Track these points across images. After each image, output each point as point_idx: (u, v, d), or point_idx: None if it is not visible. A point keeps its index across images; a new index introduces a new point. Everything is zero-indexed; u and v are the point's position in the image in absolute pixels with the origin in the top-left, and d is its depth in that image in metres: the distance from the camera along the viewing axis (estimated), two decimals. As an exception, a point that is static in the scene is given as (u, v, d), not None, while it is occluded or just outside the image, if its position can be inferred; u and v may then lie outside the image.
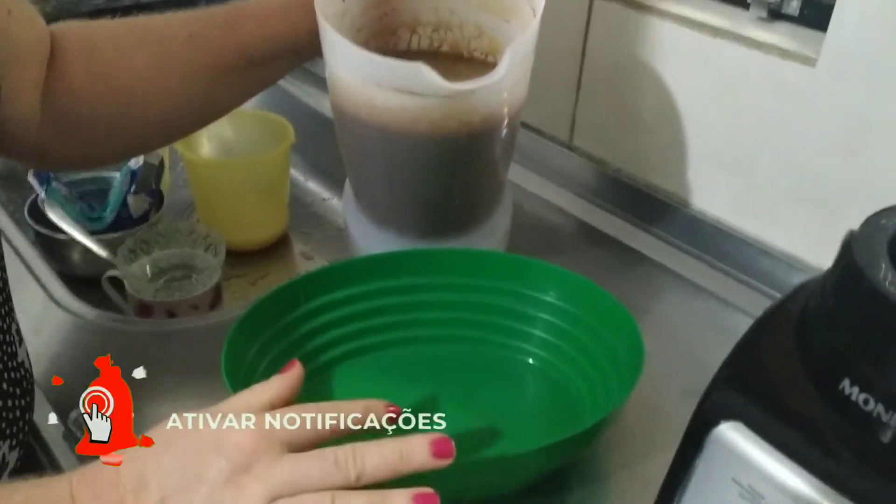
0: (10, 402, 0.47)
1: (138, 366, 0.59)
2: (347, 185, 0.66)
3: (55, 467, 0.51)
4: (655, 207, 0.75)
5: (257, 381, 0.52)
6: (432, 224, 0.62)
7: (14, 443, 0.48)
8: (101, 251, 0.77)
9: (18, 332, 0.50)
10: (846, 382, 0.38)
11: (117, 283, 0.77)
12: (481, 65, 0.63)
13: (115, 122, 0.57)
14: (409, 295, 0.59)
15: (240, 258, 0.88)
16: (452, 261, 0.59)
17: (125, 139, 0.59)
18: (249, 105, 1.10)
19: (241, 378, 0.50)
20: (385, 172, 0.60)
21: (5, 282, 0.48)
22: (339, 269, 0.58)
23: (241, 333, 0.52)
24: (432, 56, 0.64)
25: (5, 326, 0.47)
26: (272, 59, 0.59)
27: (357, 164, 0.62)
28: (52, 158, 0.58)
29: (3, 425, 0.46)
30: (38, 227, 0.81)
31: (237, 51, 0.57)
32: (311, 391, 0.56)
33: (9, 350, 0.47)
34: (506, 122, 0.58)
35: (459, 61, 0.64)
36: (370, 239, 0.63)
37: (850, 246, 0.40)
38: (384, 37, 0.64)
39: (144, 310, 0.73)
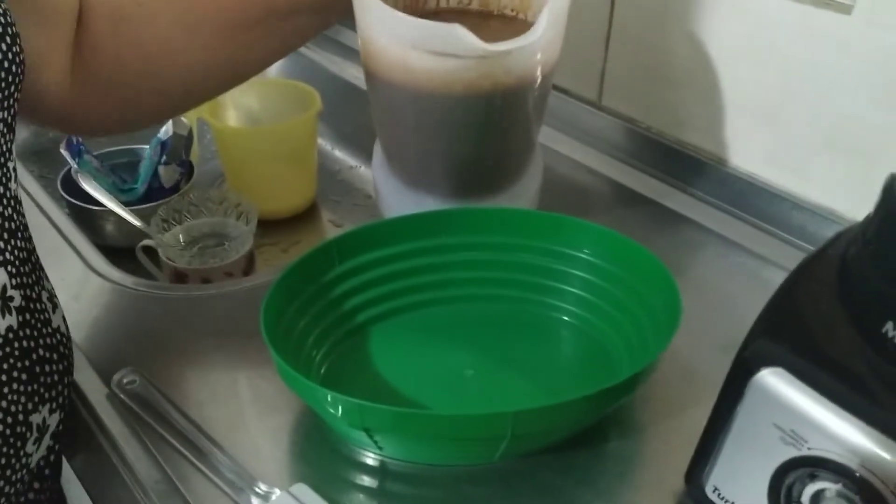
0: (47, 367, 0.48)
1: (178, 329, 0.60)
2: (377, 145, 0.66)
3: (101, 429, 0.52)
4: (687, 164, 0.74)
5: (296, 339, 0.54)
6: (464, 185, 0.62)
7: (54, 406, 0.49)
8: (135, 221, 0.78)
9: (52, 298, 0.50)
10: (889, 325, 0.38)
11: (150, 252, 0.78)
12: (512, 22, 0.63)
13: (144, 83, 0.57)
14: (444, 255, 0.59)
15: (270, 227, 0.89)
16: (486, 220, 0.59)
17: (154, 101, 0.59)
18: (275, 74, 1.11)
19: (281, 336, 0.51)
20: (417, 134, 0.60)
21: (30, 252, 0.48)
22: (374, 229, 0.59)
23: (280, 293, 0.52)
24: (461, 14, 0.63)
25: (35, 295, 0.47)
26: (298, 13, 0.58)
27: (388, 125, 0.62)
28: (84, 123, 0.58)
29: (42, 390, 0.47)
30: (71, 199, 0.81)
31: (263, 5, 0.57)
32: (349, 351, 0.56)
33: (42, 317, 0.48)
34: (539, 81, 0.57)
35: (490, 18, 0.63)
36: (401, 199, 0.63)
37: (892, 189, 0.39)
38: None
39: (179, 277, 0.74)
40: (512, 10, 0.63)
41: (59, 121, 0.57)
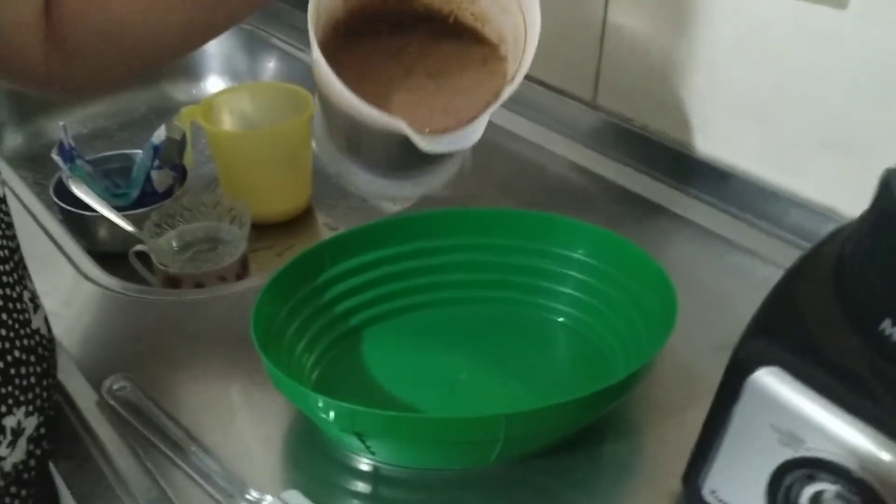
0: (23, 370, 0.47)
1: (170, 334, 0.60)
2: (317, 103, 0.64)
3: (90, 435, 0.52)
4: (683, 163, 0.74)
5: (287, 343, 0.53)
6: (399, 166, 0.62)
7: (31, 409, 0.48)
8: (127, 226, 0.77)
9: (33, 299, 0.50)
10: (887, 323, 0.37)
11: (143, 257, 0.77)
12: (469, 38, 0.60)
13: (115, 47, 0.57)
14: (437, 256, 0.58)
15: (265, 230, 0.88)
16: (480, 221, 0.59)
17: (130, 61, 0.58)
18: (269, 77, 1.11)
19: (272, 341, 0.50)
20: (355, 135, 0.59)
21: (12, 251, 0.48)
22: (365, 231, 0.58)
23: (270, 298, 0.52)
24: (413, 22, 0.61)
25: (15, 295, 0.47)
26: None
27: (329, 117, 0.61)
28: (68, 85, 0.58)
29: (17, 392, 0.47)
30: (63, 205, 0.81)
31: None
32: (341, 355, 0.56)
33: (20, 318, 0.47)
34: None
35: (444, 30, 0.60)
36: (340, 163, 0.63)
37: (888, 184, 0.39)
38: None
39: (172, 282, 0.73)
40: (472, 15, 0.60)
41: (39, 83, 0.57)
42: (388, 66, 0.57)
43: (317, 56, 0.53)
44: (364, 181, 0.62)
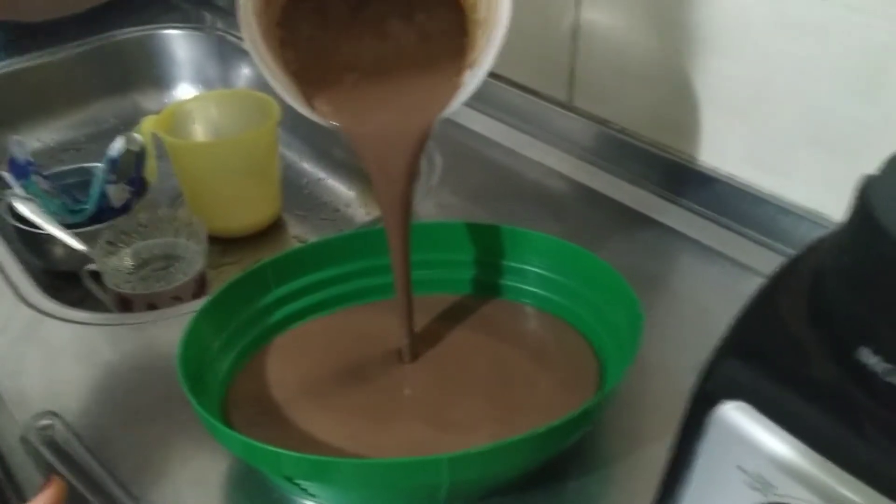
0: None
1: (110, 363, 0.56)
2: None
3: (9, 479, 0.48)
4: (664, 167, 0.69)
5: (223, 375, 0.49)
6: None
7: None
8: (78, 245, 0.73)
9: None
10: (865, 351, 0.33)
11: (99, 277, 0.73)
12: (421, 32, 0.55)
13: None
14: (387, 275, 0.54)
15: (232, 245, 0.84)
16: (432, 235, 0.55)
17: None
18: (243, 84, 1.07)
19: (206, 372, 0.46)
20: None
21: None
22: (313, 249, 0.54)
23: (203, 325, 0.48)
24: None
25: None
26: None
27: None
28: (28, 9, 0.56)
29: None
30: (17, 224, 0.77)
31: None
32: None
33: None
34: None
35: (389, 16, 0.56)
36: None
37: (866, 193, 0.34)
38: None
39: (124, 303, 0.69)
40: None
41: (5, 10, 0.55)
42: (344, 50, 0.53)
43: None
44: None
